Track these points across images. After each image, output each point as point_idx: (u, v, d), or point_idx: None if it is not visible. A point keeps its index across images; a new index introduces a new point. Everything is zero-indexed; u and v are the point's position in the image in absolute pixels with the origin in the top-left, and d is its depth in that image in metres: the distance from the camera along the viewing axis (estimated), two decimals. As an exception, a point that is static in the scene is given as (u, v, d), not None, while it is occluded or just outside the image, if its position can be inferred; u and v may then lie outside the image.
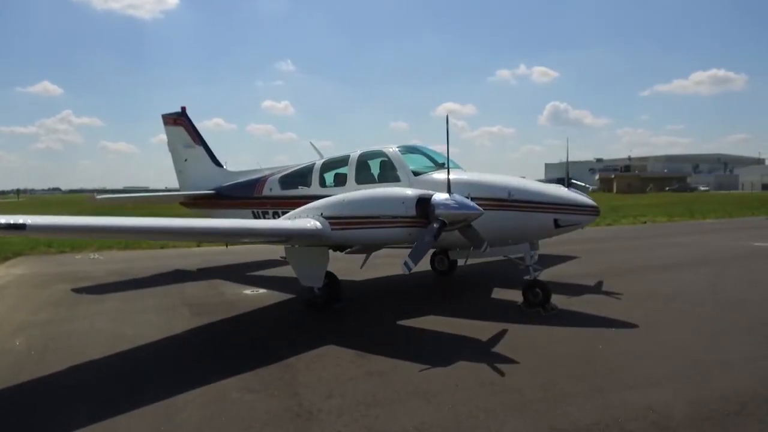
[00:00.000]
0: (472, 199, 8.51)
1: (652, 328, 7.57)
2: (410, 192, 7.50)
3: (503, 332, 7.43)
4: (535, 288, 8.87)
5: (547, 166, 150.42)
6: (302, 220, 7.97)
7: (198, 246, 19.37)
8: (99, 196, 12.53)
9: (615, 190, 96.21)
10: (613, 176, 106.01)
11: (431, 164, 10.29)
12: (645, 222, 28.56)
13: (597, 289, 10.55)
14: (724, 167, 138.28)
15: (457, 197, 7.43)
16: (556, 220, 8.52)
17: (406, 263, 7.00)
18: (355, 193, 8.03)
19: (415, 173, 9.78)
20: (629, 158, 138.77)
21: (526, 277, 8.87)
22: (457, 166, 10.05)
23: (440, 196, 7.43)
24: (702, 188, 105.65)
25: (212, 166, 14.22)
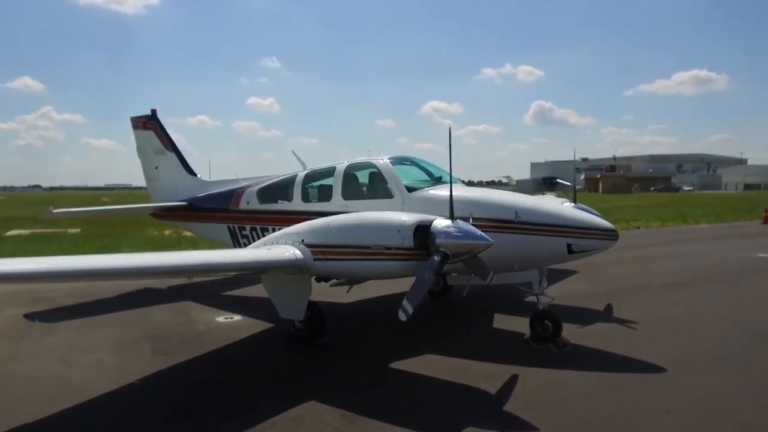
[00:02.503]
0: (474, 219, 7.48)
1: (682, 373, 6.60)
2: (407, 218, 6.43)
3: (514, 380, 6.41)
4: (544, 319, 7.87)
5: (533, 165, 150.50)
6: (279, 248, 6.86)
7: (173, 256, 18.24)
8: (56, 210, 11.29)
9: (601, 190, 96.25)
10: (598, 176, 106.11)
11: (427, 178, 9.25)
12: (638, 227, 27.86)
13: (607, 315, 9.61)
14: (707, 167, 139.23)
15: (461, 224, 6.37)
16: (569, 245, 7.51)
17: (403, 309, 5.92)
18: (342, 217, 6.95)
19: (409, 189, 8.71)
20: (614, 158, 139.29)
21: (528, 299, 7.90)
22: (455, 180, 9.02)
23: (441, 223, 6.38)
24: (686, 188, 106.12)
25: (185, 174, 13.03)
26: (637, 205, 47.82)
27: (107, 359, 7.53)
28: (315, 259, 6.67)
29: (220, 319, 9.66)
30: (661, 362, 6.94)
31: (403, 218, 6.42)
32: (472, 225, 7.02)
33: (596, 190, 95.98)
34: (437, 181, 9.06)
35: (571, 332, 8.17)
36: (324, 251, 6.63)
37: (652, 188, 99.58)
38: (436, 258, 6.08)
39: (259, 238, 10.45)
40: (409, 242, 6.17)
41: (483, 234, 6.36)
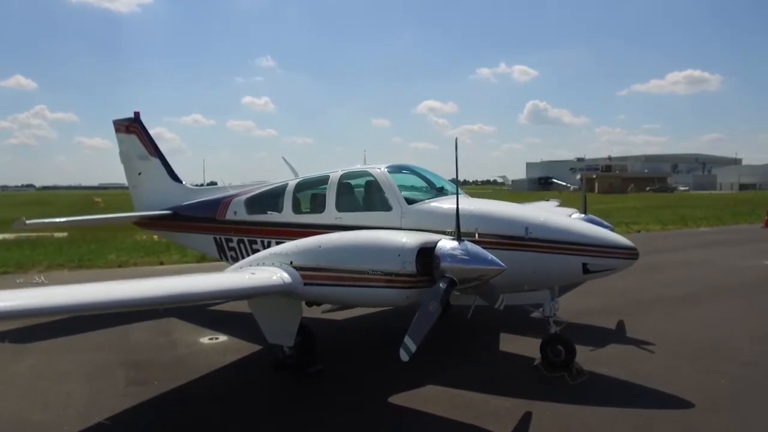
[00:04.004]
0: (480, 235, 6.85)
1: (711, 410, 5.95)
2: (408, 239, 5.72)
3: (527, 419, 5.75)
4: (557, 344, 7.24)
5: (529, 165, 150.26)
6: (265, 271, 6.14)
7: (161, 264, 17.54)
8: (28, 221, 10.55)
9: (597, 190, 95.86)
10: (594, 176, 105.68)
11: (427, 188, 8.56)
12: (639, 231, 27.30)
13: (621, 334, 8.97)
14: (702, 167, 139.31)
15: (470, 246, 5.68)
16: (585, 265, 6.85)
17: (405, 347, 5.23)
18: (335, 236, 6.25)
19: (409, 201, 8.00)
20: (609, 158, 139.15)
21: (535, 315, 7.35)
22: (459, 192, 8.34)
23: (447, 245, 5.69)
24: (681, 188, 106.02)
25: (169, 181, 12.29)
26: (635, 206, 47.35)
27: (76, 392, 6.80)
28: (305, 284, 5.97)
29: (204, 340, 8.95)
30: (687, 394, 6.32)
31: (404, 240, 5.71)
32: (478, 240, 6.42)
33: (592, 190, 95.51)
34: (439, 191, 8.39)
35: (583, 356, 7.53)
36: (315, 275, 5.93)
37: (648, 188, 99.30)
38: (441, 285, 5.40)
39: (247, 250, 9.81)
40: (411, 267, 5.47)
41: (494, 258, 5.67)
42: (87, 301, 4.73)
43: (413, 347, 5.21)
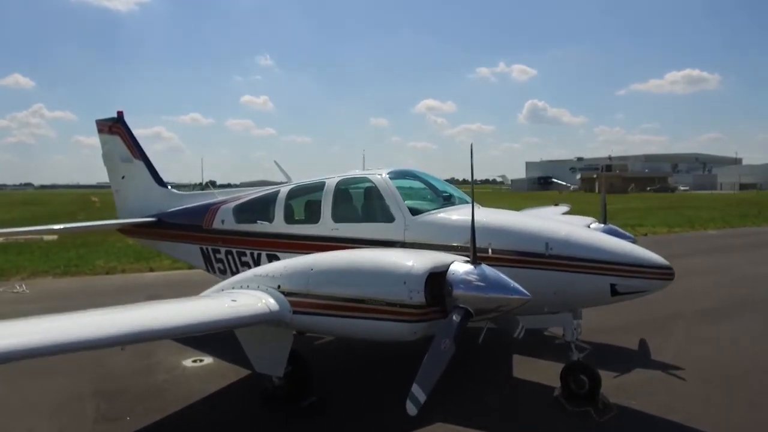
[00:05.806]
0: (494, 251, 6.07)
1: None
2: (414, 263, 4.90)
3: (552, 469, 4.96)
4: (579, 373, 6.43)
5: (528, 164, 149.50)
6: (248, 296, 5.31)
7: (151, 271, 16.75)
8: (-1, 230, 9.79)
9: (597, 190, 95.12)
10: (595, 176, 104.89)
11: (434, 197, 7.77)
12: (646, 234, 26.54)
13: (645, 357, 8.19)
14: (702, 167, 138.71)
15: (488, 271, 4.87)
16: (613, 286, 6.05)
17: (412, 397, 4.43)
18: (329, 257, 5.43)
19: (413, 211, 7.19)
20: (609, 158, 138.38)
21: (559, 340, 6.60)
22: (467, 200, 7.55)
23: (460, 268, 4.88)
24: (682, 188, 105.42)
25: (154, 185, 11.48)
26: (638, 207, 46.55)
27: (38, 428, 6.01)
28: (294, 312, 5.17)
29: (188, 362, 8.13)
30: (732, 436, 5.53)
31: (410, 263, 4.88)
32: (492, 257, 5.66)
33: (592, 190, 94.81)
34: (446, 200, 7.60)
35: (606, 383, 6.71)
36: (305, 302, 5.12)
37: (649, 188, 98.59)
38: (454, 318, 4.58)
39: (235, 262, 9.03)
40: (420, 297, 4.66)
41: (516, 285, 4.85)
42: (30, 347, 3.90)
43: (422, 397, 4.39)
